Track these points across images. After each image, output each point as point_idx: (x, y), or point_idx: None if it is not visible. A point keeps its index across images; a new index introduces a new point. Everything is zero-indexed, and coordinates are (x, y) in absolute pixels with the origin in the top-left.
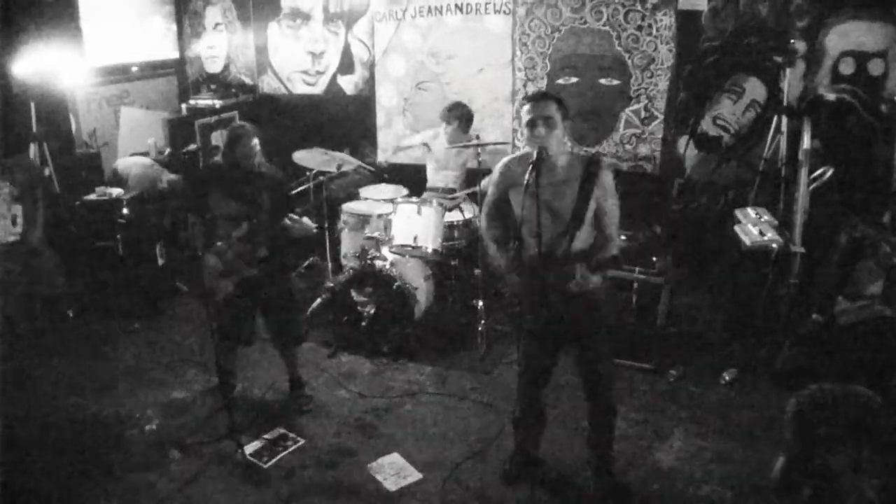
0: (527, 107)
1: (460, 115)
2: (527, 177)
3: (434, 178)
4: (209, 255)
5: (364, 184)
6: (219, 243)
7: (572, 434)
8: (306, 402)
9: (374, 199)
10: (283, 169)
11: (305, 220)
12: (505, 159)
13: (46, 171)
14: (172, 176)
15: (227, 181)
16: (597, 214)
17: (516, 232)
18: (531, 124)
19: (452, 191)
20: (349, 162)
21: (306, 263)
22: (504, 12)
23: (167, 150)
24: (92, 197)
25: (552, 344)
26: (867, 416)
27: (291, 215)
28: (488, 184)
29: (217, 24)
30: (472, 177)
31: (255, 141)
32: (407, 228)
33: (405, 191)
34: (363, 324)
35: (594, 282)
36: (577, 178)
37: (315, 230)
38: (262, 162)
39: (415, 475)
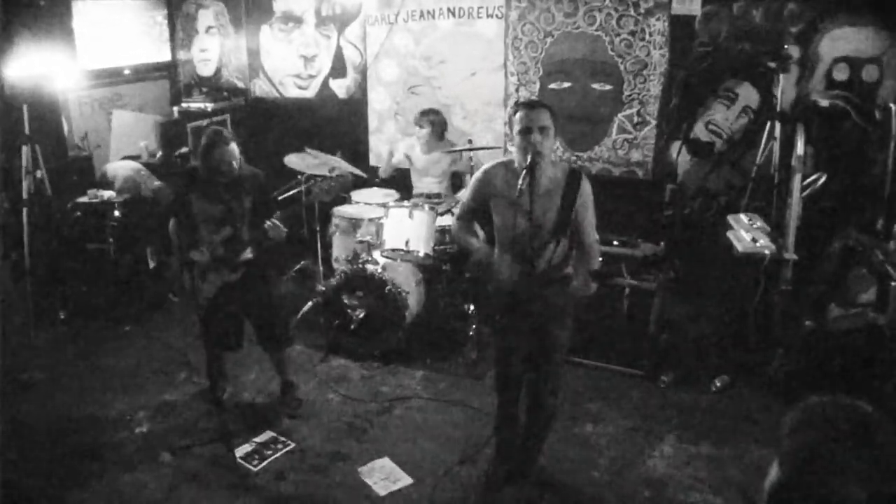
0: (521, 113)
1: (434, 121)
2: (520, 182)
3: (418, 184)
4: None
5: (349, 188)
6: (202, 248)
7: (564, 441)
8: (297, 406)
9: (366, 202)
10: (270, 172)
11: (279, 224)
12: (485, 167)
13: (39, 174)
14: (157, 183)
15: (207, 185)
16: (575, 224)
17: (495, 238)
18: (526, 131)
19: (438, 195)
20: (341, 166)
21: (297, 267)
22: (496, 16)
23: (159, 153)
24: (84, 199)
25: (524, 347)
26: (866, 431)
27: (273, 220)
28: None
29: (209, 28)
30: (460, 180)
31: (233, 146)
32: (399, 232)
33: (397, 195)
34: (354, 328)
35: (593, 288)
36: (561, 189)
37: (285, 235)
38: (243, 164)
39: (405, 479)
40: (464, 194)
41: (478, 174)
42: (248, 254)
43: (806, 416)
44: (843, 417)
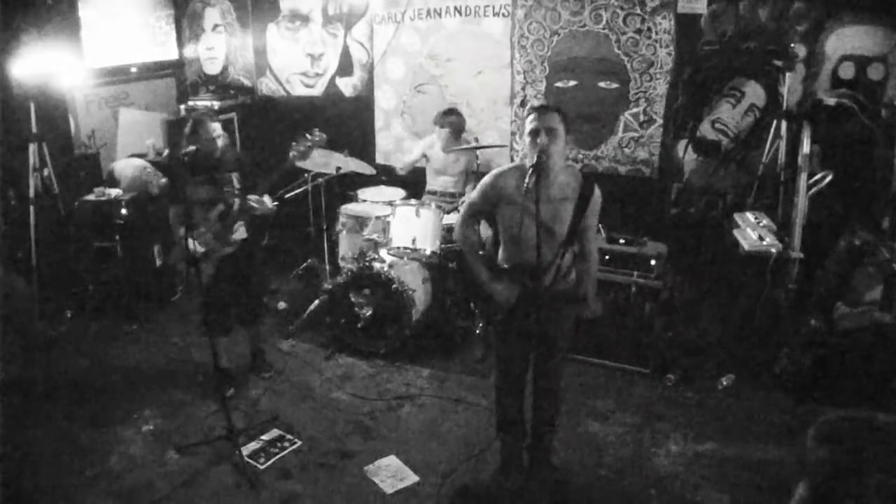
0: (530, 117)
1: (453, 122)
2: (527, 180)
3: (433, 182)
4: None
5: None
6: (200, 229)
7: (569, 440)
8: (267, 370)
9: (373, 200)
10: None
11: (266, 198)
12: (497, 171)
13: (46, 172)
14: (164, 181)
15: (196, 169)
16: (580, 230)
17: (499, 243)
18: (534, 133)
19: (452, 195)
20: (347, 164)
21: (304, 265)
22: (503, 15)
23: (165, 151)
24: (90, 197)
25: (526, 348)
26: (888, 443)
27: (250, 196)
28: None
29: (216, 26)
30: (472, 179)
31: (217, 125)
32: (405, 231)
33: (403, 193)
34: (360, 326)
35: (600, 309)
36: (574, 197)
37: (274, 208)
38: (226, 146)
39: (412, 477)
40: (469, 194)
41: (489, 177)
42: (242, 233)
43: (827, 432)
44: (864, 431)
